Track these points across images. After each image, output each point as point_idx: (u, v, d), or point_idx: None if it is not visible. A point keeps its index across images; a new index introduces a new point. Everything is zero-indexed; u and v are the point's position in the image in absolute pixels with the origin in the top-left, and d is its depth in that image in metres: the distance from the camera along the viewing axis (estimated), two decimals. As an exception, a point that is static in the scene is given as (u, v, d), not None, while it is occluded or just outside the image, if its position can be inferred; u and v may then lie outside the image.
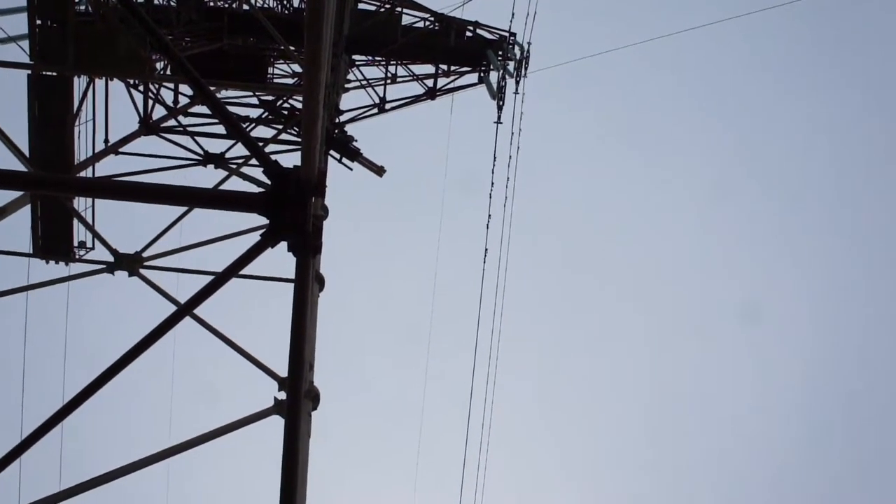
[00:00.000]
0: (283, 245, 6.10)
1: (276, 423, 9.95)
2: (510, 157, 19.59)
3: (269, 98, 18.40)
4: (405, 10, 18.62)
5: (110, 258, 14.06)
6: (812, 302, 44.56)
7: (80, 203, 14.73)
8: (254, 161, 15.74)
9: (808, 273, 44.85)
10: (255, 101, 18.56)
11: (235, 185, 15.69)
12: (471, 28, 19.31)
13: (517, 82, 19.81)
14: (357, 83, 19.55)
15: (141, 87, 16.66)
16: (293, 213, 5.75)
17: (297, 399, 6.64)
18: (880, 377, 44.10)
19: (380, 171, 16.52)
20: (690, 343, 47.56)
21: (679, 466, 45.54)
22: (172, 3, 17.02)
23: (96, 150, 15.32)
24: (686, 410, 46.16)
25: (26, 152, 13.88)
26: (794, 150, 44.34)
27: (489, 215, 19.73)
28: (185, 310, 6.40)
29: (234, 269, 6.10)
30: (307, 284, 6.24)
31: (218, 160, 16.43)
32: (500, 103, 19.69)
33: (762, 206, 44.83)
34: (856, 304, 43.62)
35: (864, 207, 42.93)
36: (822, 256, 45.25)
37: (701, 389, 47.00)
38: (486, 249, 19.85)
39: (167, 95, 17.68)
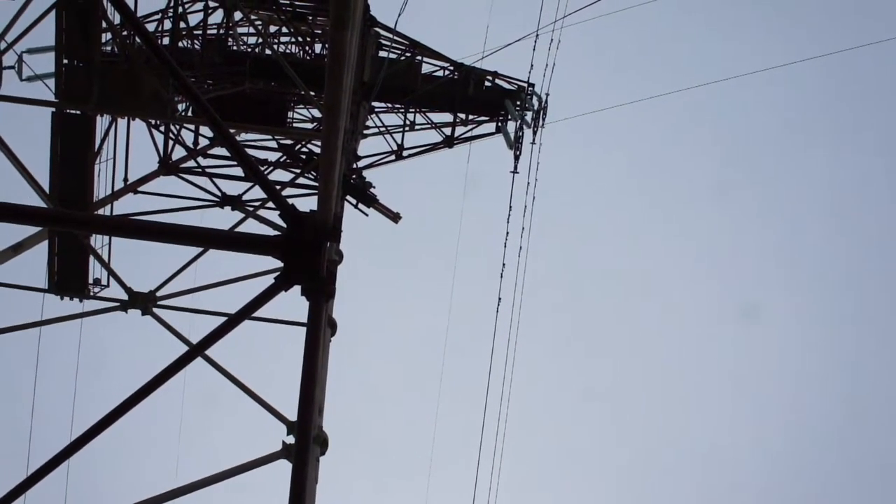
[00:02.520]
0: (297, 289, 6.12)
1: (284, 467, 9.91)
2: (525, 206, 19.63)
3: (288, 142, 18.54)
4: (425, 59, 18.80)
5: (124, 296, 14.13)
6: (811, 302, 44.41)
7: (97, 240, 14.84)
8: (270, 204, 15.83)
9: (807, 273, 44.77)
10: (273, 144, 18.71)
11: (251, 227, 15.79)
12: (489, 78, 19.45)
13: (534, 132, 19.91)
14: (375, 129, 19.71)
15: (162, 128, 16.84)
16: (308, 258, 5.77)
17: (305, 443, 6.61)
18: (880, 377, 43.83)
19: (395, 217, 16.57)
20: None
21: (683, 468, 45.12)
22: (196, 47, 17.27)
23: (115, 189, 15.46)
24: (693, 413, 45.83)
25: (46, 188, 14.02)
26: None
27: (503, 264, 19.72)
28: (197, 350, 6.41)
29: (247, 312, 6.11)
30: (319, 329, 6.24)
31: (235, 202, 16.52)
32: (518, 153, 19.77)
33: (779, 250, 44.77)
34: (855, 303, 43.44)
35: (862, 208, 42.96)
36: (821, 256, 45.28)
37: (716, 393, 46.70)
38: (500, 298, 19.81)
39: (187, 136, 17.87)
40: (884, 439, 41.89)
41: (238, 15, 17.54)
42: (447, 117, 19.77)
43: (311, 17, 17.87)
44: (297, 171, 17.53)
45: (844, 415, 43.44)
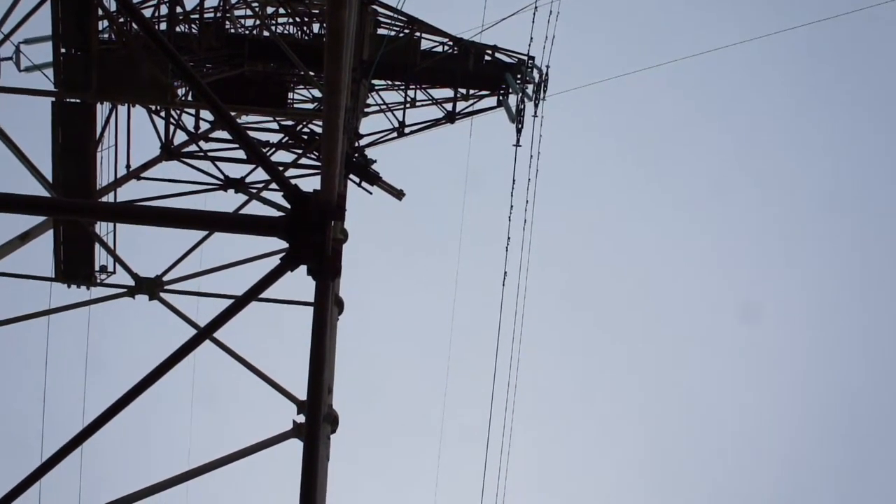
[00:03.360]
0: (303, 269, 6.13)
1: (295, 446, 9.98)
2: (529, 179, 19.60)
3: (289, 123, 18.53)
4: (424, 35, 18.73)
5: (131, 282, 14.17)
6: (810, 302, 44.42)
7: (102, 227, 14.86)
8: (274, 185, 15.84)
9: (806, 274, 44.76)
10: (275, 125, 18.70)
11: (255, 209, 15.80)
12: (489, 52, 19.39)
13: (536, 105, 19.85)
14: (376, 107, 19.67)
15: (162, 113, 16.83)
16: (313, 237, 5.78)
17: (316, 422, 6.65)
18: (880, 377, 43.89)
19: (399, 194, 16.58)
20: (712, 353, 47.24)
21: (685, 468, 45.31)
22: (194, 31, 17.21)
23: (118, 176, 15.47)
24: (691, 413, 45.96)
25: (49, 178, 14.03)
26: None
27: (508, 238, 19.71)
28: (205, 333, 6.44)
29: (253, 293, 6.13)
30: (326, 308, 6.26)
31: (238, 185, 16.54)
32: (520, 126, 19.72)
33: (778, 220, 44.68)
34: (854, 304, 43.45)
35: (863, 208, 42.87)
36: (819, 257, 45.23)
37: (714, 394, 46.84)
38: (506, 272, 19.82)
39: (188, 121, 17.88)
40: (884, 439, 42.02)
41: (234, -3, 17.48)
42: (448, 93, 19.72)
43: (307, -3, 17.81)
44: (300, 151, 17.53)
45: (844, 414, 43.62)
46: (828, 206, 44.06)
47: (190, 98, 17.59)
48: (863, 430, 42.67)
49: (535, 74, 19.67)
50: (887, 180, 43.34)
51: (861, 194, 43.89)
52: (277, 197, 15.52)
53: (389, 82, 19.55)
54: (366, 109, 19.42)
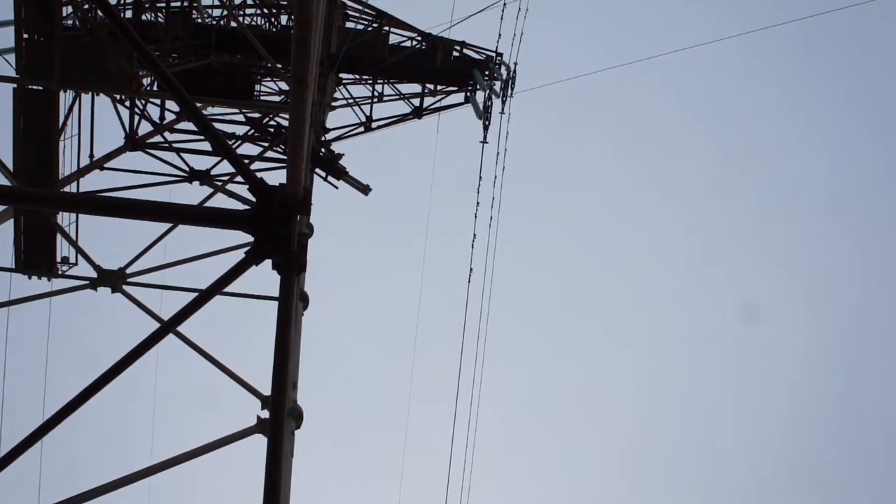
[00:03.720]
0: (268, 263, 6.09)
1: (259, 442, 9.91)
2: (495, 176, 19.64)
3: (256, 115, 18.40)
4: (392, 30, 18.68)
5: (93, 274, 14.00)
6: (809, 302, 44.93)
7: (64, 218, 14.67)
8: (239, 178, 15.72)
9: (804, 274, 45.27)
10: (241, 118, 18.55)
11: (221, 202, 15.67)
12: (457, 48, 19.39)
13: (503, 102, 19.89)
14: (344, 101, 19.59)
15: (127, 103, 16.63)
16: (278, 231, 5.75)
17: (280, 418, 6.61)
18: (879, 377, 44.47)
19: (365, 189, 16.55)
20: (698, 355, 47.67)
21: (679, 468, 45.66)
22: (160, 19, 17.03)
23: (81, 166, 15.28)
24: (684, 411, 46.35)
25: (10, 166, 13.82)
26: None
27: (474, 234, 19.75)
28: (169, 327, 6.38)
29: (218, 287, 6.09)
30: (291, 302, 6.23)
31: (203, 177, 16.39)
32: (487, 123, 19.76)
33: (759, 214, 45.11)
34: (852, 304, 43.99)
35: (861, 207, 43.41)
36: (819, 257, 45.72)
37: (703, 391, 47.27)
38: (471, 269, 19.85)
39: (153, 111, 17.69)
40: (883, 439, 42.54)
41: (202, -13, 17.31)
42: (416, 88, 19.70)
43: (276, -11, 17.68)
44: (266, 144, 17.42)
45: (843, 415, 44.12)
46: (798, 204, 44.57)
47: (155, 88, 17.41)
48: (863, 429, 43.27)
49: (503, 71, 19.71)
50: (884, 175, 43.77)
51: (855, 191, 44.42)
52: (243, 190, 15.40)
53: (357, 76, 19.49)
54: (333, 103, 19.33)
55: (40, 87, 13.74)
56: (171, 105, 17.54)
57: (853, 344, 44.64)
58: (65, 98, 14.40)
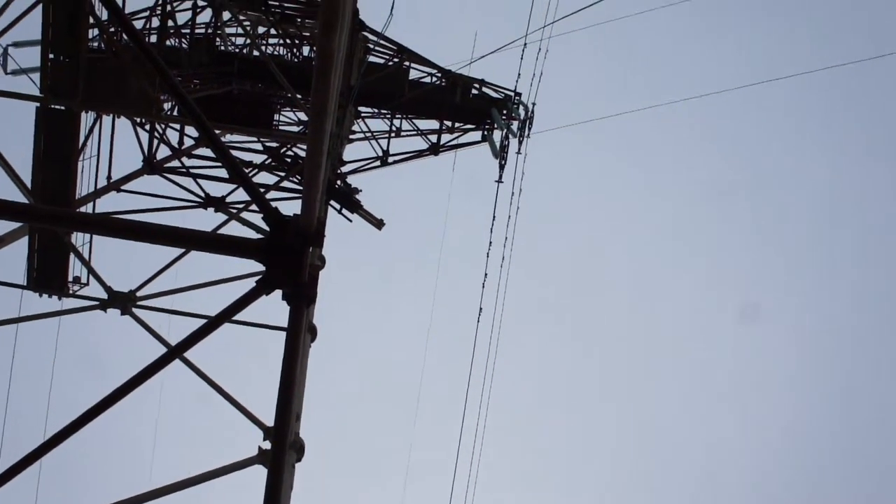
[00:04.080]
0: (278, 293, 6.06)
1: (259, 472, 9.84)
2: (509, 216, 19.61)
3: (274, 145, 18.48)
4: (413, 65, 18.77)
5: (104, 295, 14.02)
6: (809, 302, 44.71)
7: (78, 238, 14.72)
8: (254, 207, 15.76)
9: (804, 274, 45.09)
10: (259, 146, 18.64)
11: (234, 229, 15.70)
12: (477, 86, 19.44)
13: (520, 142, 19.90)
14: (361, 135, 19.65)
15: (147, 127, 16.74)
16: (290, 262, 5.72)
17: (282, 450, 6.55)
18: (879, 377, 44.12)
19: (379, 224, 16.53)
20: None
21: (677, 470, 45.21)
22: (184, 45, 17.18)
23: (98, 187, 15.35)
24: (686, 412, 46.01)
25: (28, 184, 13.90)
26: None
27: (485, 274, 19.67)
28: (176, 352, 6.35)
29: (227, 315, 6.05)
30: (299, 334, 6.19)
31: (218, 204, 16.44)
32: (503, 162, 19.76)
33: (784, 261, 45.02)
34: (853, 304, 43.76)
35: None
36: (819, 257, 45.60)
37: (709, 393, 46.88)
38: (481, 308, 19.76)
39: (172, 136, 17.78)
40: (883, 438, 42.22)
41: (226, 15, 17.46)
42: (433, 124, 19.75)
43: (299, 20, 17.81)
44: (282, 174, 17.47)
45: (843, 414, 43.80)
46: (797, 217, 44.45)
47: (175, 113, 17.52)
48: (862, 429, 42.86)
49: (521, 111, 19.74)
50: (885, 183, 43.69)
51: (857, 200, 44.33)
52: (257, 219, 15.44)
53: (376, 110, 19.56)
54: (350, 136, 19.40)
55: (63, 108, 13.85)
56: (190, 130, 17.66)
57: (853, 343, 44.47)
58: (86, 119, 14.51)
